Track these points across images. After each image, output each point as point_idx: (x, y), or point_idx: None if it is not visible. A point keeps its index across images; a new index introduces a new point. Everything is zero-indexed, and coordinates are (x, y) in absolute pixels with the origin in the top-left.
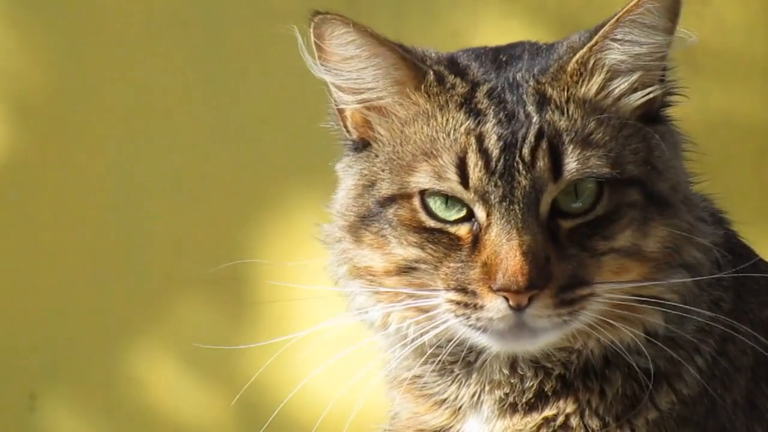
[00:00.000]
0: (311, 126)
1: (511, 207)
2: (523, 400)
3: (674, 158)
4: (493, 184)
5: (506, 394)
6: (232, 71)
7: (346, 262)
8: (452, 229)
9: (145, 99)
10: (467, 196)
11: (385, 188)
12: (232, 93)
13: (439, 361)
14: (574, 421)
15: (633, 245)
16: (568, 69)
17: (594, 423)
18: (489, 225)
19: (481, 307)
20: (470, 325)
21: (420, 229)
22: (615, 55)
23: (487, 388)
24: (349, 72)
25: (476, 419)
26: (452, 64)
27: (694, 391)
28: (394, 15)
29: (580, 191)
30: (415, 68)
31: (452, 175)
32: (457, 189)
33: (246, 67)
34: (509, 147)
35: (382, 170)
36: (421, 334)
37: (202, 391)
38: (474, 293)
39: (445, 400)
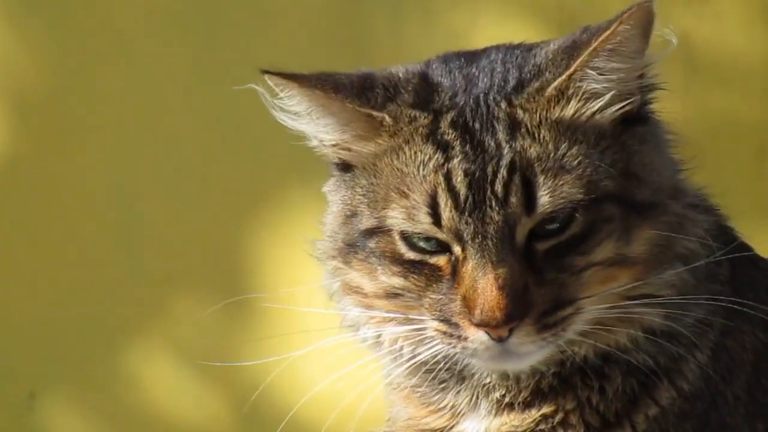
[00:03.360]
0: None
1: (485, 242)
2: (519, 400)
3: (657, 156)
4: (464, 222)
5: (502, 395)
6: (233, 71)
7: (339, 280)
8: (432, 260)
9: (144, 99)
10: (441, 235)
11: (365, 221)
12: (232, 93)
13: (434, 377)
14: (573, 418)
15: (616, 255)
16: (545, 94)
17: (594, 420)
18: (465, 258)
19: (465, 338)
20: (458, 352)
21: (401, 261)
22: (593, 83)
23: (481, 392)
24: (305, 124)
25: (474, 419)
26: (421, 84)
27: (694, 386)
28: (394, 14)
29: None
30: (368, 117)
31: (424, 216)
32: (430, 230)
33: (247, 67)
34: (478, 182)
35: (361, 202)
36: (414, 351)
37: (202, 391)
38: (457, 325)
39: (443, 406)
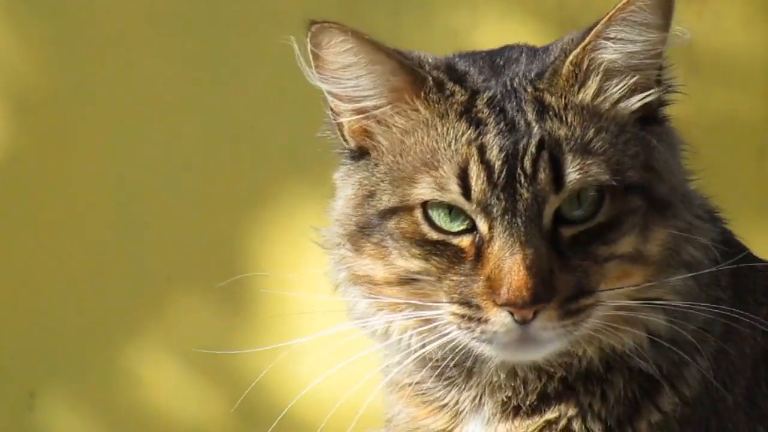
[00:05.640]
0: (311, 125)
1: (514, 220)
2: (527, 403)
3: (672, 158)
4: (495, 197)
5: (508, 398)
6: (232, 71)
7: (346, 269)
8: (455, 240)
9: (144, 98)
10: (469, 207)
11: (385, 200)
12: (232, 92)
13: (441, 369)
14: (576, 425)
15: (635, 250)
16: (563, 72)
17: (596, 427)
18: (492, 238)
19: (486, 321)
20: (475, 338)
21: (423, 241)
22: (609, 54)
23: (487, 391)
24: (347, 80)
25: (477, 421)
26: (451, 69)
27: (696, 392)
28: (393, 13)
29: (582, 199)
30: (413, 74)
31: (454, 186)
32: (459, 200)
33: (246, 66)
34: (511, 158)
35: (382, 181)
36: (424, 345)
37: (202, 391)
38: (478, 307)
39: (445, 405)
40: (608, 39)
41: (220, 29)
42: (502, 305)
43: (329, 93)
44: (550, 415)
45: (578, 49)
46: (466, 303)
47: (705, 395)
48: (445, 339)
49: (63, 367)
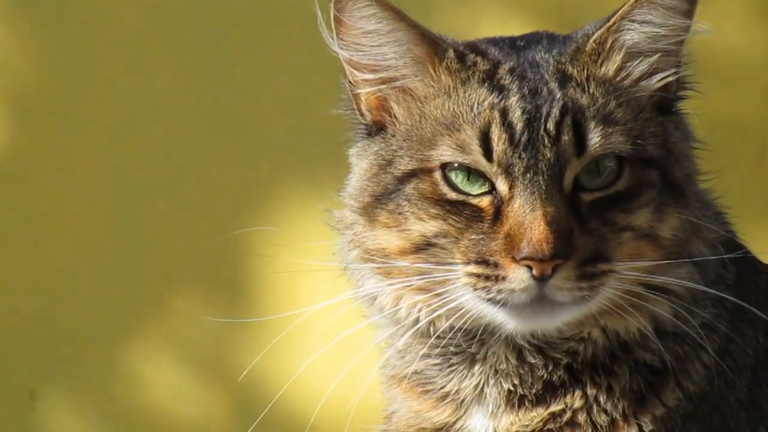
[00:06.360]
0: (311, 124)
1: (535, 178)
2: (533, 392)
3: (687, 149)
4: (517, 156)
5: (515, 386)
6: (232, 70)
7: (358, 246)
8: (474, 201)
9: (144, 98)
10: (490, 169)
11: (404, 164)
12: (232, 92)
13: (442, 352)
14: (581, 417)
15: (649, 227)
16: (587, 48)
17: (601, 419)
18: (512, 197)
19: (503, 279)
20: (489, 299)
21: (442, 201)
22: (632, 35)
23: (491, 380)
24: (369, 47)
25: (481, 413)
26: (471, 45)
27: (699, 388)
28: None
29: (602, 169)
30: (435, 45)
31: (476, 147)
32: (480, 161)
33: (246, 66)
34: (533, 121)
35: (400, 148)
36: (433, 311)
37: (202, 391)
38: (496, 264)
39: (447, 394)
40: (633, 21)
41: (219, 28)
42: (522, 259)
43: (348, 62)
44: (555, 407)
45: (602, 30)
46: (483, 261)
47: (709, 392)
48: (455, 304)
49: (63, 367)
